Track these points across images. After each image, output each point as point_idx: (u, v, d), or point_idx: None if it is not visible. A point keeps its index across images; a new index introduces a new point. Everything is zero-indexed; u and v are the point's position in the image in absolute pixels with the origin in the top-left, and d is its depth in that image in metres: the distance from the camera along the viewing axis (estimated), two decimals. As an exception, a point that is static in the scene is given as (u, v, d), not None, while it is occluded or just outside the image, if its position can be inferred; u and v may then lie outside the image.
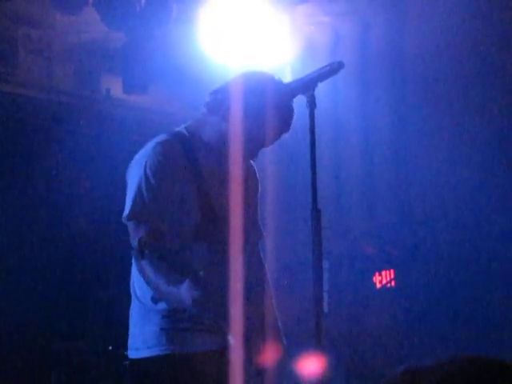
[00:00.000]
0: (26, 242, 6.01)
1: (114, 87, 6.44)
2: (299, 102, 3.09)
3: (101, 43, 6.27)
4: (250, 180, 3.43)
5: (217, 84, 3.29)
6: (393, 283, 6.64)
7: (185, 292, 2.91)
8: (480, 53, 6.48)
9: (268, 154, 3.55)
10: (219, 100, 3.23)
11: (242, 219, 3.27)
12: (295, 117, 3.20)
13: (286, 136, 3.27)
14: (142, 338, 3.15)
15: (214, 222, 3.18)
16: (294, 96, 3.09)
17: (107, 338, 5.57)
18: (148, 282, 3.07)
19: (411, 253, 6.70)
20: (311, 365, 2.86)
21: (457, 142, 6.52)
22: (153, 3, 5.84)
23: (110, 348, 5.49)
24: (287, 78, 3.34)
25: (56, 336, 5.86)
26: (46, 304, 5.92)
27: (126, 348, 3.24)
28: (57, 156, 6.14)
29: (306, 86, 3.00)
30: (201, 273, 2.95)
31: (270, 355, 3.23)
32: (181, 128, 3.32)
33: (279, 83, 3.20)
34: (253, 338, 3.18)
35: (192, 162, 3.20)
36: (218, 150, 3.25)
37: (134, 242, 3.08)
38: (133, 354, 3.19)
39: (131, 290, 3.23)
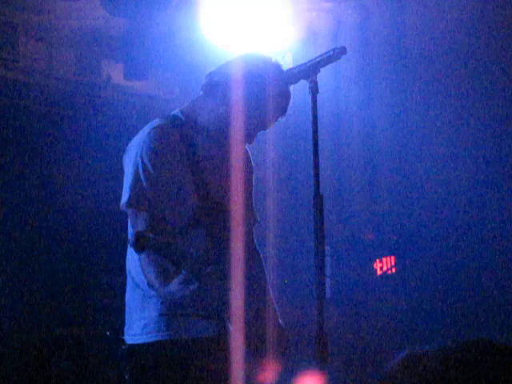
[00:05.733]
0: (26, 227, 6.00)
1: (115, 73, 6.42)
2: (301, 88, 3.09)
3: (102, 29, 6.25)
4: (246, 164, 3.41)
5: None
6: (393, 270, 6.64)
7: (176, 287, 2.89)
8: (484, 40, 6.45)
9: (269, 140, 3.55)
10: (216, 82, 3.21)
11: (242, 205, 3.26)
12: (297, 102, 3.19)
13: (287, 122, 3.26)
14: (141, 324, 3.13)
15: (211, 207, 3.15)
16: (296, 81, 3.08)
17: (108, 324, 5.58)
18: (143, 274, 3.06)
19: (412, 239, 6.70)
20: (310, 382, 2.86)
21: (459, 128, 6.51)
22: (154, -11, 5.82)
23: (108, 333, 5.50)
24: (288, 63, 3.32)
25: (56, 322, 5.87)
26: (47, 290, 5.92)
27: (123, 333, 3.23)
28: (57, 142, 6.13)
29: (309, 71, 3.00)
30: (194, 252, 2.93)
31: (271, 343, 3.22)
32: (176, 112, 3.29)
33: (277, 66, 3.20)
34: (254, 325, 3.18)
35: (188, 146, 3.17)
36: (216, 134, 3.22)
37: (132, 232, 3.07)
38: (130, 339, 3.17)
39: (127, 276, 3.21)
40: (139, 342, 3.13)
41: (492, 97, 6.39)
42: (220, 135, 3.21)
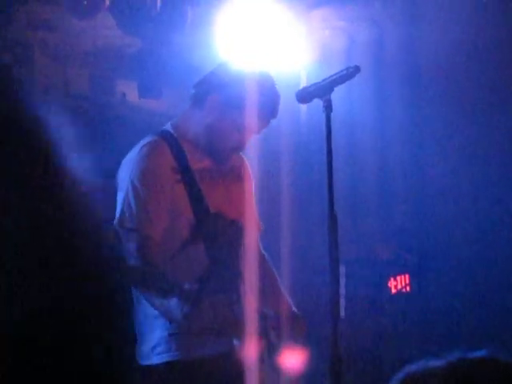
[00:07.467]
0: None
1: (130, 92, 6.44)
2: (315, 106, 3.09)
3: (116, 48, 6.27)
4: (242, 173, 3.40)
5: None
6: (408, 288, 6.61)
7: (175, 306, 2.88)
8: (495, 56, 6.45)
9: (283, 159, 3.54)
10: (203, 92, 3.23)
11: (246, 215, 3.25)
12: (311, 121, 3.21)
13: (301, 141, 3.28)
14: (151, 345, 3.12)
15: (208, 220, 3.14)
16: (310, 100, 3.09)
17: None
18: (144, 297, 3.05)
19: (426, 258, 6.67)
20: (293, 358, 2.86)
21: (473, 144, 6.49)
22: (168, 7, 5.84)
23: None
24: (302, 82, 3.32)
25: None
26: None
27: (134, 354, 3.22)
28: (71, 160, 6.14)
29: (323, 90, 3.01)
30: (187, 286, 2.89)
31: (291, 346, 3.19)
32: (167, 126, 3.30)
33: (263, 73, 3.23)
34: (270, 335, 3.15)
35: (180, 161, 3.17)
36: (206, 146, 3.22)
37: (126, 253, 3.06)
38: (141, 360, 3.15)
39: (134, 297, 3.20)
40: (149, 363, 3.11)
41: (507, 110, 6.37)
42: (210, 146, 3.22)
